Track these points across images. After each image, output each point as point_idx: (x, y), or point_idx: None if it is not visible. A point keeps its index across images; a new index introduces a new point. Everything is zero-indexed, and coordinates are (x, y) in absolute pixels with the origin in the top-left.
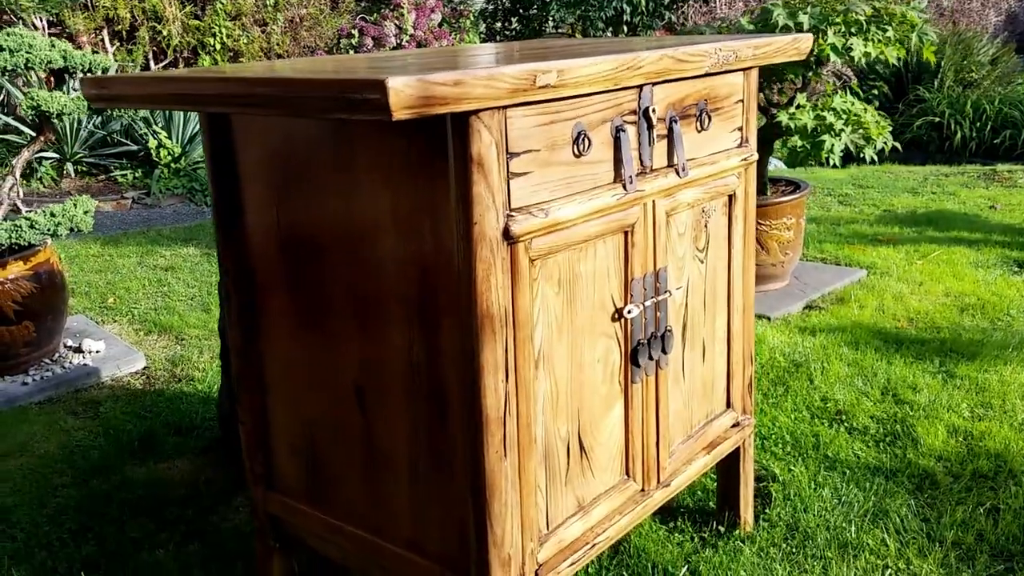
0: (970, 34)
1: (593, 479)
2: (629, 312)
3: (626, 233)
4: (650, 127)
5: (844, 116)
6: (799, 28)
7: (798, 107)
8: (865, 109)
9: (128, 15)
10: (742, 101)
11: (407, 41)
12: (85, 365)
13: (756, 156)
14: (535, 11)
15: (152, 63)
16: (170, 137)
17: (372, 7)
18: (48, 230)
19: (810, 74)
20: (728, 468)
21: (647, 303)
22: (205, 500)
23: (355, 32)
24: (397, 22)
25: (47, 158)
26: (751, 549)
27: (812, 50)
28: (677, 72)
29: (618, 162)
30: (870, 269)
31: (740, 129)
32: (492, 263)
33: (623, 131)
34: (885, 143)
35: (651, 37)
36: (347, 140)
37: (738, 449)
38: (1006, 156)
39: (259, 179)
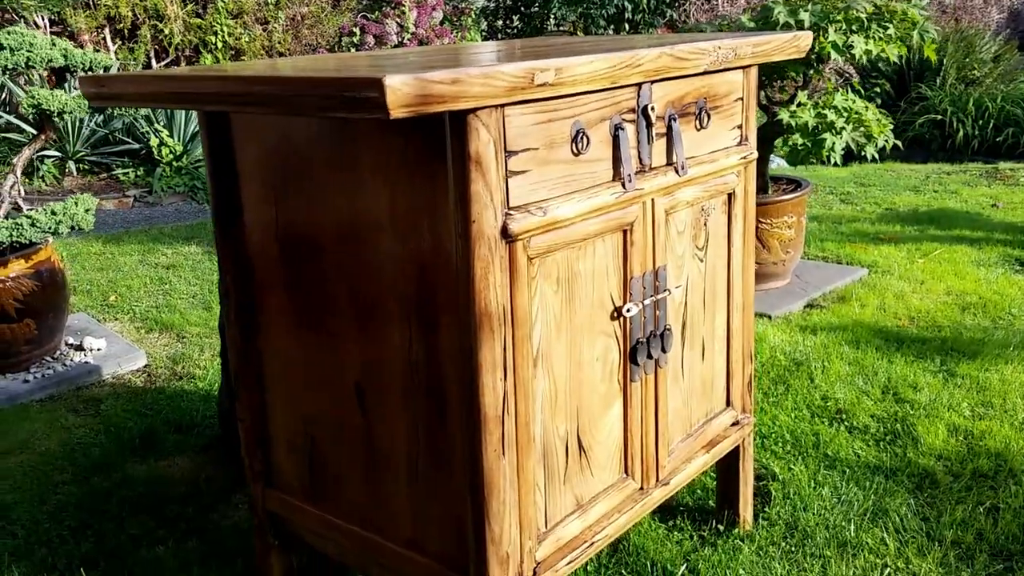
0: (972, 31)
1: (592, 478)
2: (628, 311)
3: (625, 232)
4: (649, 125)
5: (845, 114)
6: (800, 26)
7: (799, 105)
8: (866, 107)
9: (130, 13)
10: (742, 99)
11: (408, 39)
12: (86, 363)
13: (756, 154)
14: (536, 9)
15: (154, 61)
16: (172, 135)
17: (374, 5)
18: (49, 228)
19: (811, 72)
20: (728, 467)
21: (646, 302)
22: (205, 498)
23: (356, 30)
24: (398, 20)
25: (49, 156)
26: (750, 548)
27: (813, 48)
28: (676, 70)
29: (617, 160)
30: (871, 268)
31: (740, 127)
32: (490, 261)
33: (622, 129)
34: (886, 141)
35: (653, 35)
36: (346, 138)
37: (738, 448)
38: (1008, 154)
39: (258, 177)
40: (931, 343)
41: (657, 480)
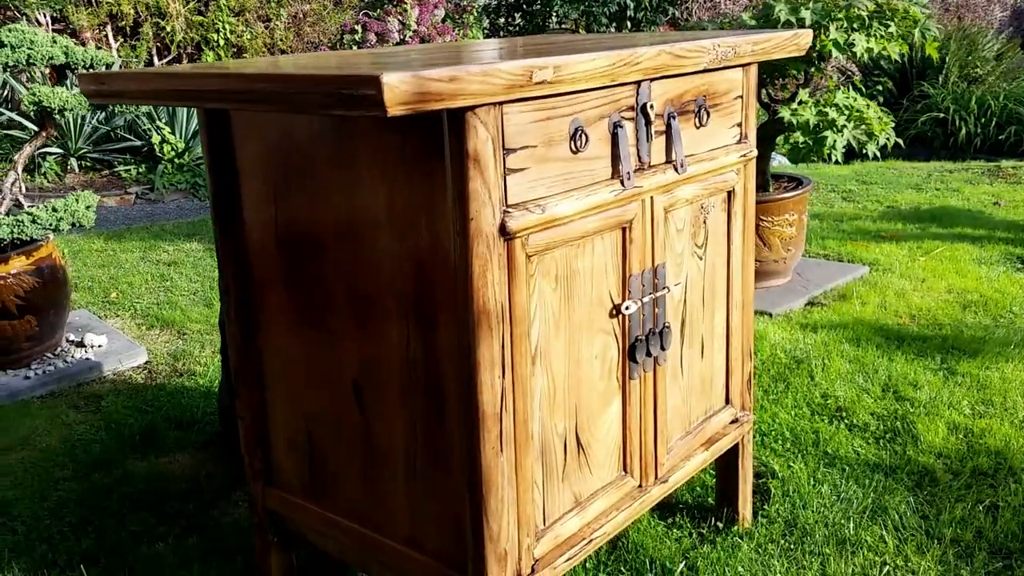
0: (975, 29)
1: (590, 475)
2: (627, 308)
3: (624, 229)
4: (648, 123)
5: (846, 112)
6: (801, 23)
7: (800, 103)
8: (868, 105)
9: (131, 11)
10: (741, 97)
11: (410, 37)
12: (87, 359)
13: (755, 152)
14: (538, 7)
15: (156, 59)
16: (174, 132)
17: (375, 3)
18: (50, 225)
19: (812, 70)
20: (727, 464)
21: (645, 299)
22: (205, 494)
23: (358, 28)
24: (400, 18)
25: (51, 153)
26: (749, 545)
27: (814, 46)
28: (675, 68)
29: (616, 158)
30: (873, 265)
31: (739, 125)
32: (488, 259)
33: (621, 127)
34: (887, 139)
35: (654, 33)
36: (345, 136)
37: (737, 445)
38: (1011, 152)
39: (257, 175)
40: (932, 341)
41: (656, 478)
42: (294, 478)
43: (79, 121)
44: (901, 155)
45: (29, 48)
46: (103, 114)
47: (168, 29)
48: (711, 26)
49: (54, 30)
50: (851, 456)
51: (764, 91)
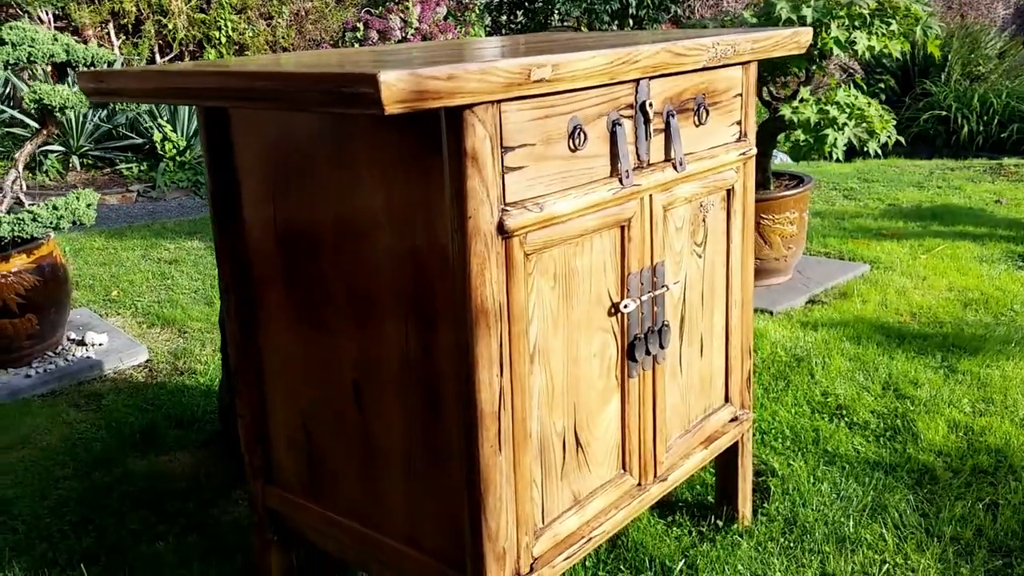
0: (978, 27)
1: (589, 473)
2: (626, 307)
3: (623, 228)
4: (647, 121)
5: (847, 110)
6: (802, 21)
7: (801, 101)
8: (869, 103)
9: (134, 8)
10: (741, 95)
11: (412, 34)
12: (88, 358)
13: (755, 150)
14: (540, 4)
15: (158, 56)
16: (175, 130)
17: (377, 0)
18: (51, 223)
19: (813, 68)
20: (727, 462)
21: (644, 298)
22: (205, 493)
23: (360, 25)
24: (402, 15)
25: (53, 151)
26: (749, 543)
27: (815, 44)
28: (674, 66)
29: (614, 156)
30: (874, 264)
31: (739, 123)
32: (486, 257)
33: (620, 125)
34: (889, 137)
35: (656, 31)
36: (343, 134)
37: (736, 443)
38: (1013, 150)
39: (256, 173)
40: (932, 339)
41: (655, 476)
42: (293, 476)
43: (81, 119)
44: (903, 153)
45: (30, 46)
46: (105, 112)
47: (170, 27)
48: (712, 24)
49: (56, 28)
50: (851, 454)
51: (765, 89)
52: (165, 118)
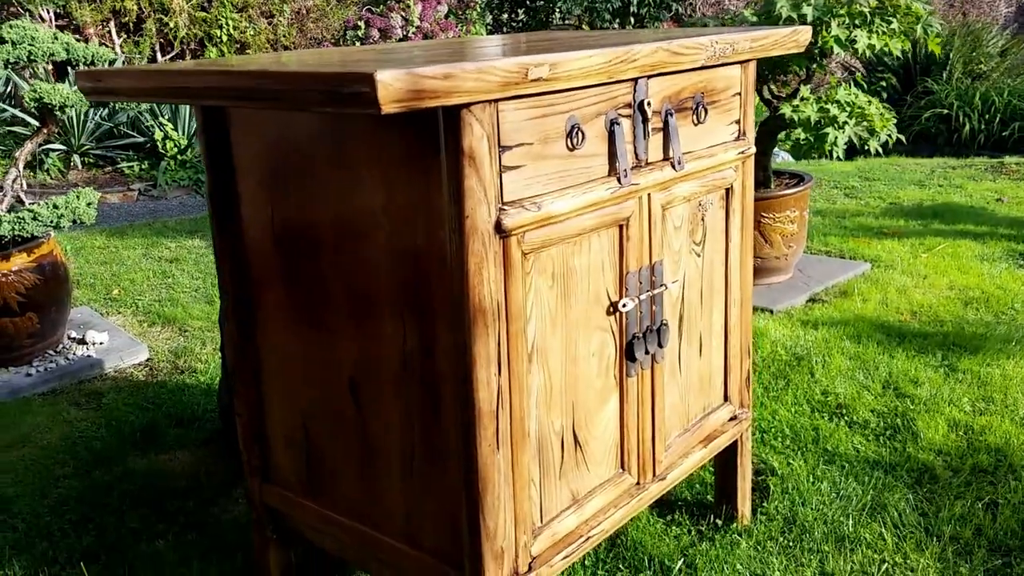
0: (979, 25)
1: (588, 472)
2: (624, 306)
3: (621, 227)
4: (645, 120)
5: (848, 108)
6: (802, 20)
7: (802, 99)
8: (869, 101)
9: (135, 7)
10: (740, 94)
11: (413, 32)
12: (89, 356)
13: (754, 149)
14: (541, 3)
15: (159, 55)
16: (176, 129)
17: None
18: (51, 222)
19: (814, 66)
20: (726, 461)
21: (642, 297)
22: (206, 491)
23: (361, 24)
24: (403, 13)
25: (54, 150)
26: (748, 542)
27: (815, 42)
28: (673, 65)
29: (612, 155)
30: (874, 262)
31: (738, 122)
32: (484, 257)
33: (618, 124)
34: (889, 136)
35: (658, 29)
36: (342, 134)
37: (736, 442)
38: (1014, 149)
39: (255, 172)
40: (933, 338)
41: (654, 475)
42: (292, 475)
43: (82, 117)
44: (904, 151)
45: (30, 45)
46: (106, 110)
47: (171, 25)
48: (712, 23)
49: (57, 26)
50: (851, 453)
51: (766, 87)
52: (166, 116)
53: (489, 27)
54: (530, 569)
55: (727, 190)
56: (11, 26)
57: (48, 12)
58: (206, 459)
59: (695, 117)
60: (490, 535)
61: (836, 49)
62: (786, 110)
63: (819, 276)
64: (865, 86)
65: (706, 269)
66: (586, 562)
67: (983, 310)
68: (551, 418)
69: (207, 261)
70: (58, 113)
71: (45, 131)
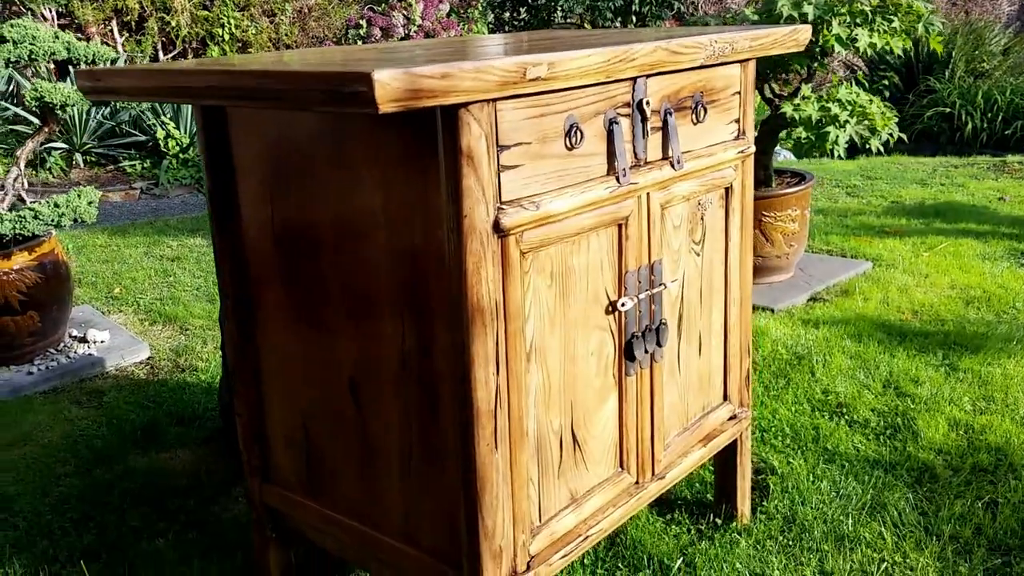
0: (982, 24)
1: (586, 472)
2: (623, 305)
3: (620, 226)
4: (644, 120)
5: (849, 107)
6: (803, 18)
7: (803, 98)
8: (871, 100)
9: (137, 5)
10: (739, 93)
11: (415, 31)
12: (90, 355)
13: (753, 148)
14: (543, 1)
15: (161, 54)
16: (178, 127)
17: None
18: (52, 221)
19: (815, 65)
20: (726, 461)
21: (641, 296)
22: (206, 490)
23: (363, 22)
24: (405, 12)
25: (56, 148)
26: (747, 541)
27: (816, 41)
28: (671, 64)
29: (611, 155)
30: (876, 261)
31: (737, 121)
32: (482, 256)
33: (616, 124)
34: (890, 134)
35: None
36: (342, 134)
37: (735, 442)
38: (1017, 147)
39: (255, 172)
40: (934, 337)
41: (653, 474)
42: (292, 475)
43: (84, 116)
44: (906, 150)
45: (31, 44)
46: (108, 109)
47: (173, 24)
48: (714, 21)
49: (60, 25)
50: (851, 452)
51: (767, 86)
52: (168, 115)
53: (491, 26)
54: (528, 568)
55: (726, 189)
56: (12, 25)
57: (50, 11)
58: (207, 458)
59: (694, 116)
60: (488, 534)
61: (837, 48)
62: (787, 109)
63: (820, 275)
64: (867, 84)
65: (705, 268)
66: (585, 561)
67: (984, 309)
68: (550, 417)
69: (208, 260)
70: (59, 112)
71: (46, 130)
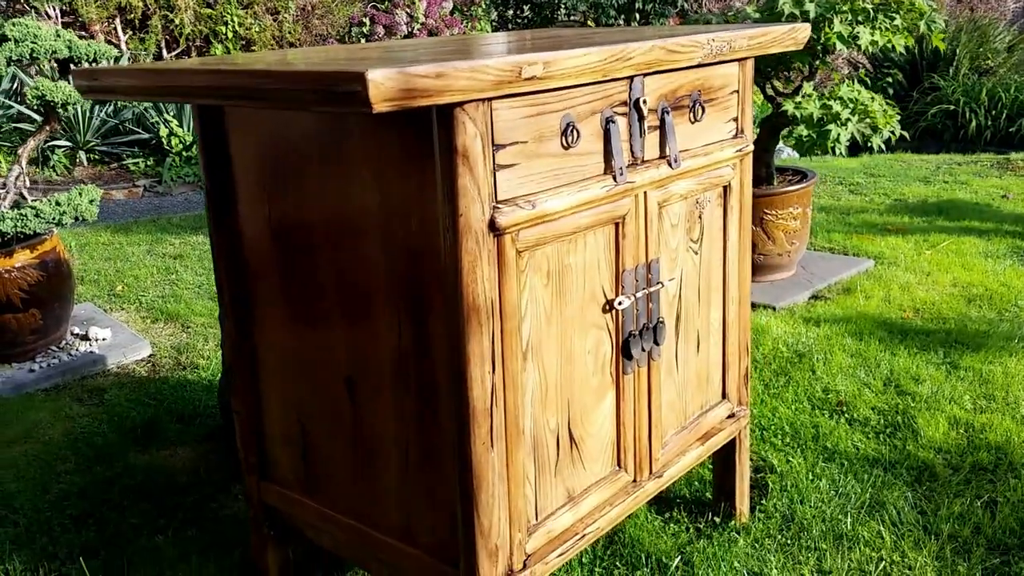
0: (986, 21)
1: (584, 470)
2: (620, 303)
3: (617, 225)
4: (641, 118)
5: (851, 105)
6: (805, 16)
7: (804, 96)
8: (872, 98)
9: (140, 3)
10: (737, 92)
11: (418, 29)
12: (91, 352)
13: (752, 147)
14: None
15: (165, 52)
16: (181, 125)
17: None
18: (53, 219)
19: (817, 63)
20: (724, 459)
21: (639, 294)
22: (205, 487)
23: (366, 20)
24: (408, 10)
25: (60, 146)
26: (745, 540)
27: (818, 39)
28: (669, 63)
29: (608, 154)
30: (878, 259)
31: (735, 120)
32: (478, 255)
33: (613, 122)
34: (892, 132)
35: (662, 26)
36: (338, 132)
37: (734, 440)
38: (1021, 145)
39: (252, 171)
40: (935, 335)
41: (650, 473)
42: (289, 473)
43: (87, 114)
44: (910, 147)
45: (33, 42)
46: (111, 107)
47: (177, 22)
48: (716, 20)
49: (64, 23)
50: (851, 451)
51: (769, 84)
52: (171, 113)
53: (494, 24)
54: (525, 567)
55: (725, 188)
56: (14, 23)
57: (54, 9)
58: (206, 455)
59: (692, 115)
60: (484, 533)
61: (839, 46)
62: (789, 107)
63: (822, 273)
64: (870, 82)
65: (704, 266)
66: (583, 559)
67: (986, 307)
68: (546, 416)
69: (210, 258)
70: (60, 110)
71: (48, 128)
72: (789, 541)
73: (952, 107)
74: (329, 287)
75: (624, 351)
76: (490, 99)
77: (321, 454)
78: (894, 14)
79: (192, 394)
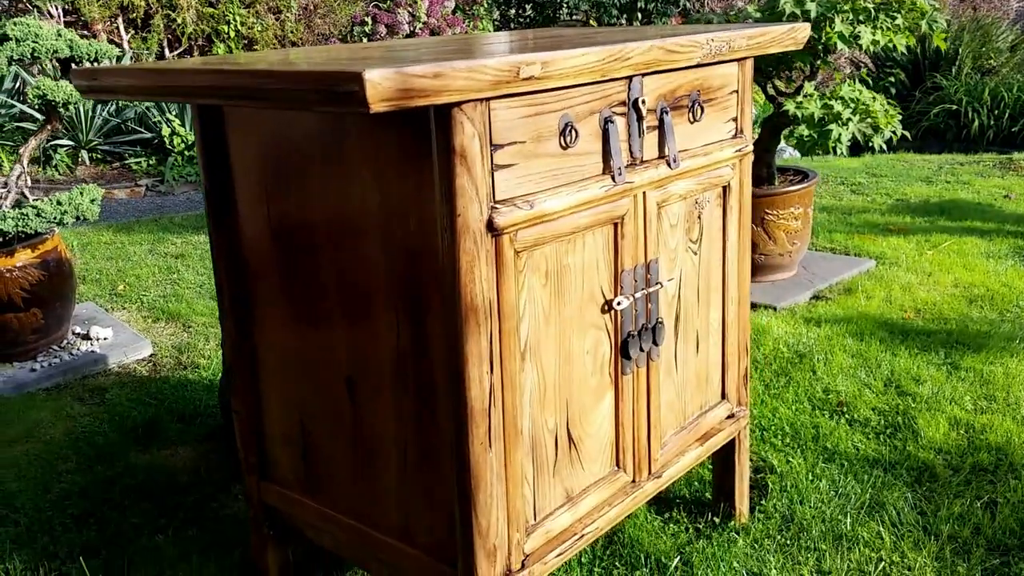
0: (989, 20)
1: (582, 470)
2: (619, 304)
3: (616, 225)
4: (640, 118)
5: (852, 105)
6: (806, 16)
7: (806, 96)
8: (874, 98)
9: (142, 3)
10: (736, 92)
11: (420, 28)
12: (93, 352)
13: (751, 147)
14: None
15: (167, 51)
16: (183, 125)
17: None
18: (54, 219)
19: (818, 63)
20: (724, 459)
21: (637, 295)
22: (206, 487)
23: (368, 19)
24: (410, 9)
25: (62, 146)
26: (745, 540)
27: (819, 38)
28: (667, 63)
29: (607, 154)
30: (879, 259)
31: (735, 120)
32: (476, 255)
33: (612, 122)
34: (893, 132)
35: (665, 25)
36: (337, 132)
37: (733, 440)
38: (1023, 145)
39: (251, 171)
40: (936, 336)
41: (649, 473)
42: (289, 473)
43: (89, 113)
44: (913, 147)
45: (34, 42)
46: (113, 106)
47: (179, 21)
48: (717, 19)
49: (66, 23)
50: (851, 451)
51: (770, 84)
52: (174, 112)
53: (496, 23)
54: (523, 567)
55: (724, 188)
56: (16, 23)
57: (56, 8)
58: (207, 455)
59: (691, 115)
60: (482, 533)
61: (840, 45)
62: (790, 106)
63: (823, 273)
64: (872, 82)
65: (703, 267)
66: (582, 559)
67: (987, 308)
68: (545, 416)
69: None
70: (62, 110)
71: (50, 127)
72: (789, 541)
73: (954, 107)
74: (329, 287)
75: (623, 351)
76: (488, 99)
77: (321, 454)
78: (895, 13)
79: (193, 394)
